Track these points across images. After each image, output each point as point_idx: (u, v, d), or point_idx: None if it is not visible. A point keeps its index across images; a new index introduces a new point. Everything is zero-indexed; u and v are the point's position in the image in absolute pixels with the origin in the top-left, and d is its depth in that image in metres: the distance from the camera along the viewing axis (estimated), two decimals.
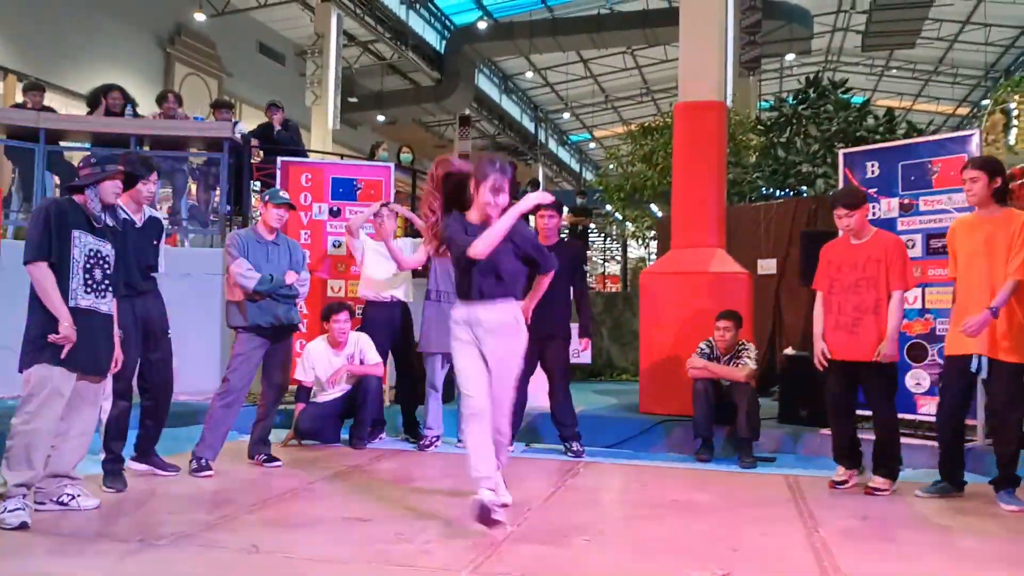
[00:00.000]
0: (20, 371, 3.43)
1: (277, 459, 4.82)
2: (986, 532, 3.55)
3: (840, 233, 4.45)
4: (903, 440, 4.95)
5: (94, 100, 7.85)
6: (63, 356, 3.38)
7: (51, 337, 3.36)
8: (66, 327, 3.37)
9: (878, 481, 4.25)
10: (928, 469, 4.80)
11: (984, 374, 3.98)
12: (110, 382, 3.96)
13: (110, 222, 3.65)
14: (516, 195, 11.94)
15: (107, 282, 3.62)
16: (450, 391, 5.69)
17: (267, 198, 4.84)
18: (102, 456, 4.10)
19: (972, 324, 3.88)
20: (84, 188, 3.55)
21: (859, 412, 4.56)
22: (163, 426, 4.42)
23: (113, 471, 4.05)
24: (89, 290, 3.52)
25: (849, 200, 4.36)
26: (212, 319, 6.75)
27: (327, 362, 5.52)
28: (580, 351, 5.46)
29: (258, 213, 5.07)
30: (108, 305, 3.64)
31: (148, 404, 4.33)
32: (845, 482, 4.38)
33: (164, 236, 4.35)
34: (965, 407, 4.24)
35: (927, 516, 3.82)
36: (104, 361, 3.62)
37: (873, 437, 4.39)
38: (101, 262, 3.59)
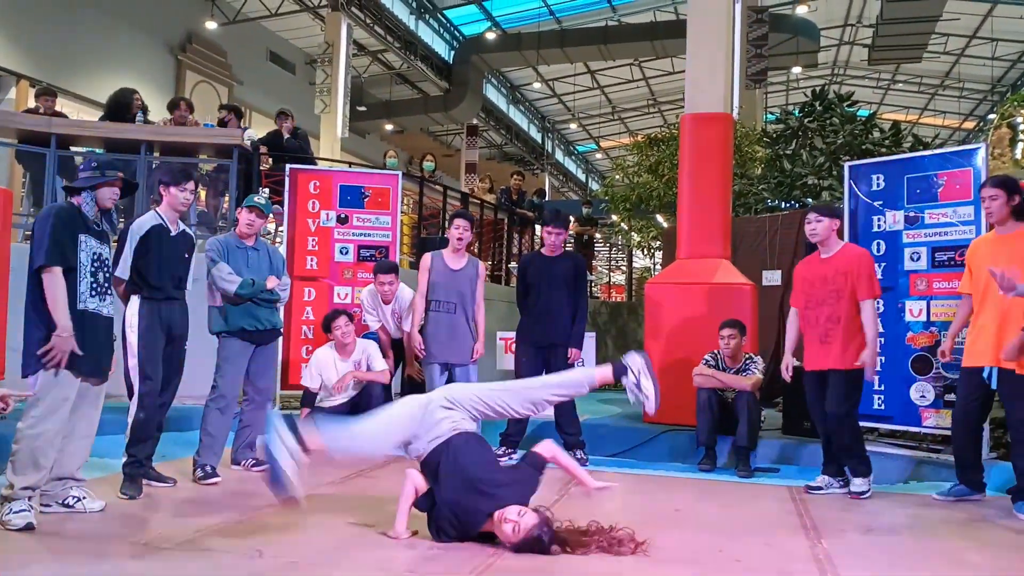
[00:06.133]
0: (24, 376, 3.44)
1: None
2: (992, 544, 3.55)
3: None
4: (907, 452, 4.97)
5: (125, 105, 7.84)
6: (68, 360, 3.38)
7: (41, 351, 3.32)
8: (63, 336, 3.34)
9: (858, 483, 4.38)
10: (932, 482, 4.81)
11: (994, 384, 4.08)
12: (138, 386, 3.97)
13: (106, 226, 3.68)
14: (522, 203, 11.89)
15: (107, 285, 3.65)
16: None
17: (244, 204, 4.81)
18: (124, 459, 4.04)
19: (1009, 350, 3.91)
20: (81, 191, 3.57)
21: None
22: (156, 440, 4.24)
23: (131, 475, 4.01)
24: (95, 293, 3.55)
25: (822, 208, 4.64)
26: None
27: (334, 368, 5.54)
28: (568, 361, 5.42)
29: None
30: (109, 308, 3.65)
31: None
32: (820, 488, 4.50)
33: (194, 252, 4.27)
34: (980, 416, 4.34)
35: (931, 527, 3.82)
36: (105, 364, 3.64)
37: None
38: (103, 266, 3.62)
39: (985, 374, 4.13)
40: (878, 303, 4.91)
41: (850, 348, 4.39)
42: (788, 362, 4.68)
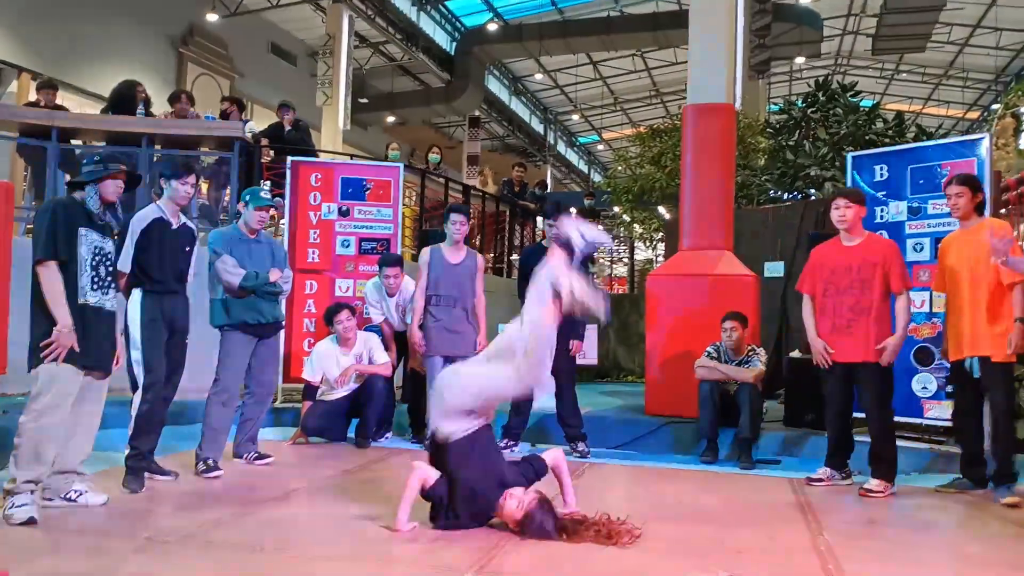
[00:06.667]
0: (29, 371, 3.44)
1: (268, 455, 4.80)
2: (991, 535, 3.56)
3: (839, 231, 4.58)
4: (909, 444, 4.95)
5: (129, 98, 7.82)
6: (70, 355, 3.39)
7: (43, 344, 3.33)
8: (64, 332, 3.35)
9: (874, 483, 4.30)
10: (933, 473, 4.81)
11: (977, 373, 4.17)
12: (142, 378, 3.97)
13: (110, 220, 3.68)
14: (523, 195, 11.87)
15: (110, 279, 3.65)
16: None
17: (247, 198, 4.76)
18: (127, 451, 4.04)
19: (1016, 342, 3.97)
20: (84, 185, 3.57)
21: (857, 415, 4.62)
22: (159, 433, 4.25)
23: (133, 468, 4.00)
24: (96, 287, 3.54)
25: (852, 194, 4.55)
26: None
27: (335, 361, 5.55)
28: (571, 353, 5.40)
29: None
30: (112, 302, 3.66)
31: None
32: (821, 480, 4.47)
33: (196, 245, 4.28)
34: (975, 407, 4.34)
35: (932, 519, 3.83)
36: (108, 358, 3.65)
37: (869, 440, 4.45)
38: (105, 259, 3.61)
39: (967, 365, 4.20)
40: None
41: (883, 339, 4.34)
42: (821, 347, 4.44)
